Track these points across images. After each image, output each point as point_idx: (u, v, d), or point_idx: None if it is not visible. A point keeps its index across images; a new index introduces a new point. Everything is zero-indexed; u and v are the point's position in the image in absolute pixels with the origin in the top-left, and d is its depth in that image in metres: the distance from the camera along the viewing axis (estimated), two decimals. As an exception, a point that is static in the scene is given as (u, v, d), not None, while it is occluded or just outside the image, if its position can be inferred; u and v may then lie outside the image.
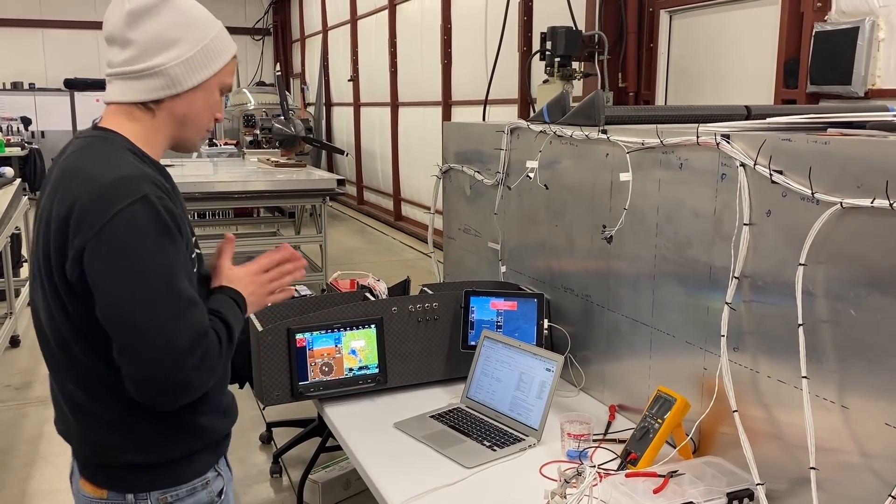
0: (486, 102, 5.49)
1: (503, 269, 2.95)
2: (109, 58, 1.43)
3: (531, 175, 2.56)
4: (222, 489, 1.52)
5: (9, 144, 10.81)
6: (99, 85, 14.22)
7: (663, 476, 1.79)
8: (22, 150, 10.94)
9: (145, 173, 1.35)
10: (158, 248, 1.31)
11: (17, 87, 14.31)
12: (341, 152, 9.00)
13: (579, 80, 5.18)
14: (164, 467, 1.43)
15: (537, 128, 2.63)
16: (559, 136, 2.50)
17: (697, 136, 1.91)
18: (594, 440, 2.09)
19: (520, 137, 2.79)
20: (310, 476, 3.33)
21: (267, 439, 3.97)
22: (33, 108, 13.83)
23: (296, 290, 3.01)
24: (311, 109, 12.34)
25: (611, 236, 2.22)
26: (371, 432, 2.19)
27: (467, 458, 1.99)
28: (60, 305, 1.36)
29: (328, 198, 6.59)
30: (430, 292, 2.60)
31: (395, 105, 10.02)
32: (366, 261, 8.18)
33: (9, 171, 6.17)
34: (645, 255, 2.16)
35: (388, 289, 2.75)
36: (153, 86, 1.41)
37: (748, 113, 2.63)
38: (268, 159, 8.10)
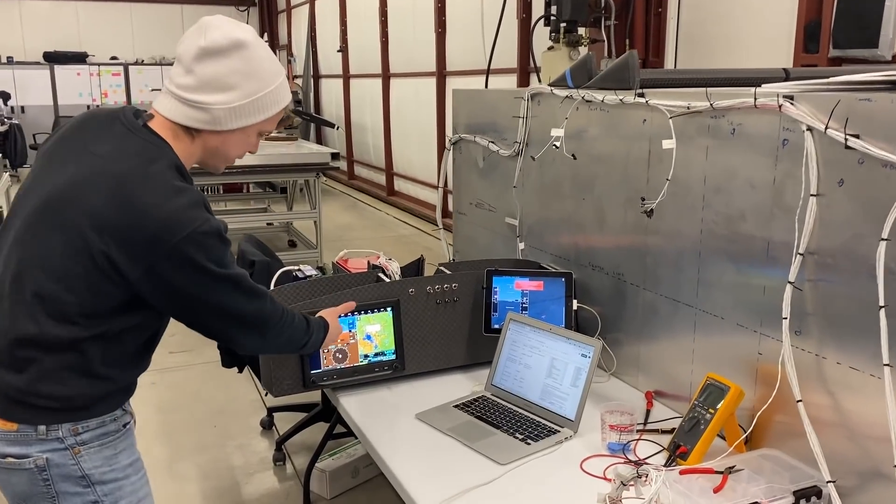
0: (488, 72, 5.26)
1: (521, 246, 2.78)
2: (172, 74, 1.53)
3: (557, 144, 2.38)
4: (127, 423, 1.63)
5: (-13, 120, 10.45)
6: (79, 58, 13.86)
7: (721, 473, 1.63)
8: (1, 125, 10.59)
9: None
10: None
11: (-6, 60, 13.86)
12: (331, 125, 8.74)
13: (585, 46, 4.97)
14: (77, 407, 1.51)
15: (562, 93, 2.43)
16: (588, 101, 2.31)
17: (755, 98, 1.72)
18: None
19: (541, 104, 2.60)
20: (316, 464, 3.16)
21: (268, 425, 3.80)
22: (12, 82, 13.40)
23: (300, 269, 2.82)
24: (299, 82, 12.04)
25: (651, 210, 2.04)
26: (392, 425, 2.02)
27: (500, 454, 1.83)
28: (78, 272, 1.42)
29: (321, 172, 6.37)
30: (448, 272, 2.42)
31: (386, 76, 9.75)
32: (360, 237, 7.98)
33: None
34: (689, 230, 1.98)
35: (401, 268, 2.57)
36: (197, 117, 1.51)
37: (787, 76, 2.44)
38: (257, 133, 7.83)
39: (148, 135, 1.51)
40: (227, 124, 1.52)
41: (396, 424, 2.02)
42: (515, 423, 1.98)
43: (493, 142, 2.90)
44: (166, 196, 1.42)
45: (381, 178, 10.34)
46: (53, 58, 13.53)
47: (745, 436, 1.76)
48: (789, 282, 1.65)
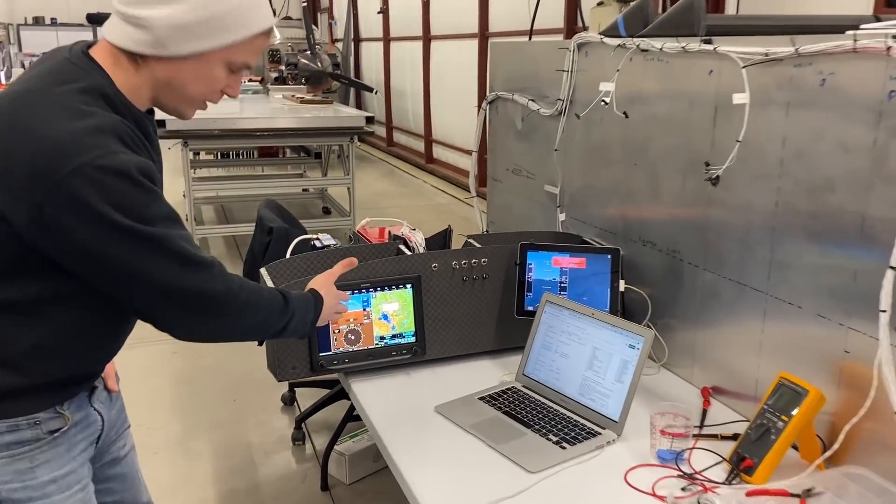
0: (531, 32, 4.93)
1: (562, 216, 2.49)
2: None
3: (606, 100, 2.07)
4: (59, 430, 1.30)
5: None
6: (121, 20, 13.81)
7: (797, 496, 1.35)
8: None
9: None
10: None
11: (39, 22, 13.93)
12: (370, 90, 8.47)
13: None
14: None
15: (613, 42, 2.12)
16: (643, 50, 1.99)
17: (855, 40, 1.40)
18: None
19: (588, 55, 2.28)
20: (335, 447, 2.96)
21: (289, 401, 3.61)
22: (56, 43, 13.24)
23: (318, 237, 2.58)
24: (340, 45, 11.77)
25: (717, 177, 1.74)
26: (407, 418, 1.77)
27: (530, 459, 1.57)
28: None
29: (356, 137, 6.12)
30: (478, 245, 2.14)
31: (427, 39, 9.41)
32: (395, 205, 7.74)
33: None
34: (761, 201, 1.67)
35: (426, 240, 2.30)
36: (138, 38, 1.21)
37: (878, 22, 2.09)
38: (293, 96, 7.61)
39: (80, 58, 1.22)
40: (172, 47, 1.20)
41: (412, 418, 1.77)
42: (549, 421, 1.71)
43: (532, 100, 2.60)
44: (61, 117, 1.11)
45: (419, 145, 10.07)
46: (96, 19, 13.47)
47: (830, 452, 1.47)
48: (891, 266, 1.34)
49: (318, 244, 2.51)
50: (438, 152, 9.58)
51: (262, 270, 2.01)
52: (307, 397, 3.54)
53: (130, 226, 1.12)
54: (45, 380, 1.26)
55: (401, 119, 10.97)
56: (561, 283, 2.05)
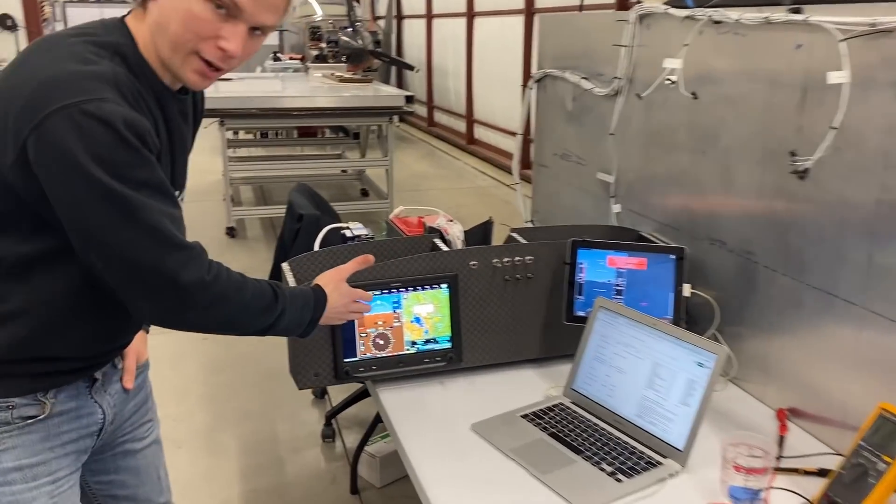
0: (581, 7, 4.66)
1: (617, 208, 2.25)
2: None
3: (672, 79, 1.83)
4: (34, 417, 1.22)
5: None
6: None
7: (906, 559, 1.12)
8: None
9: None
10: None
11: (83, -1, 13.95)
12: (411, 68, 8.24)
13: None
14: None
15: (680, 13, 1.87)
16: (716, 22, 1.74)
17: None
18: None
19: (650, 28, 2.04)
20: (366, 448, 2.79)
21: (321, 394, 3.46)
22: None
23: (349, 227, 2.40)
24: (381, 23, 11.56)
25: (805, 169, 1.49)
26: (440, 436, 1.58)
27: (581, 495, 1.36)
28: None
29: (395, 117, 5.92)
30: (523, 241, 1.93)
31: (470, 15, 9.13)
32: (434, 188, 7.53)
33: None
34: (859, 198, 1.42)
35: (465, 233, 2.10)
36: None
37: None
38: (332, 74, 7.44)
39: (111, 20, 1.19)
40: None
41: (445, 436, 1.58)
42: (603, 447, 1.50)
43: (585, 78, 2.36)
44: (65, 61, 1.07)
45: (461, 126, 9.82)
46: (139, -4, 13.49)
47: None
48: None
49: (347, 234, 2.33)
50: (480, 133, 9.32)
51: (284, 266, 1.83)
52: (339, 390, 3.38)
53: (103, 180, 1.02)
54: (20, 356, 1.17)
55: (442, 98, 10.73)
56: (617, 285, 1.82)
